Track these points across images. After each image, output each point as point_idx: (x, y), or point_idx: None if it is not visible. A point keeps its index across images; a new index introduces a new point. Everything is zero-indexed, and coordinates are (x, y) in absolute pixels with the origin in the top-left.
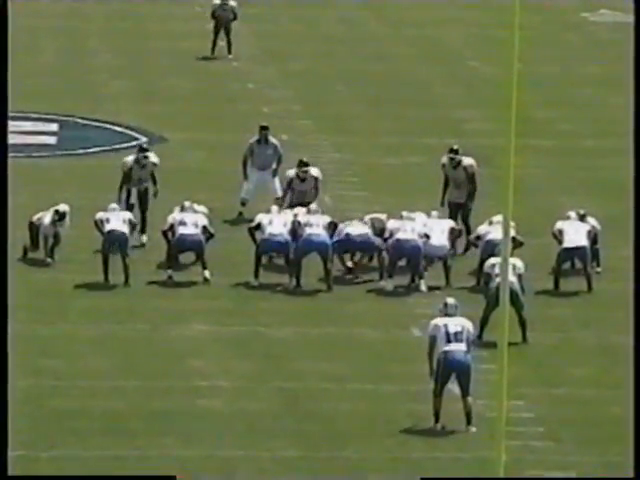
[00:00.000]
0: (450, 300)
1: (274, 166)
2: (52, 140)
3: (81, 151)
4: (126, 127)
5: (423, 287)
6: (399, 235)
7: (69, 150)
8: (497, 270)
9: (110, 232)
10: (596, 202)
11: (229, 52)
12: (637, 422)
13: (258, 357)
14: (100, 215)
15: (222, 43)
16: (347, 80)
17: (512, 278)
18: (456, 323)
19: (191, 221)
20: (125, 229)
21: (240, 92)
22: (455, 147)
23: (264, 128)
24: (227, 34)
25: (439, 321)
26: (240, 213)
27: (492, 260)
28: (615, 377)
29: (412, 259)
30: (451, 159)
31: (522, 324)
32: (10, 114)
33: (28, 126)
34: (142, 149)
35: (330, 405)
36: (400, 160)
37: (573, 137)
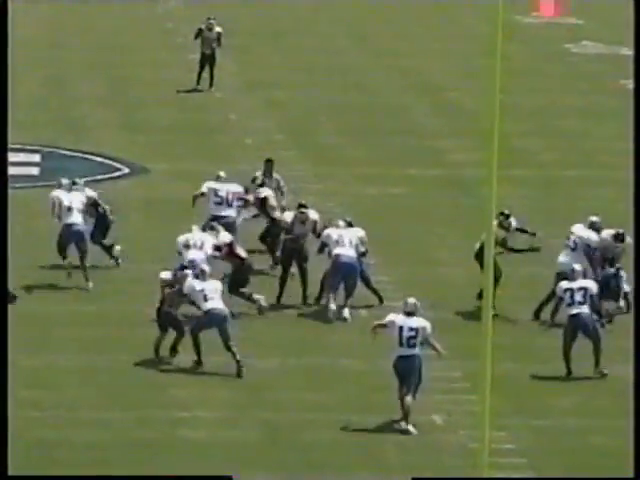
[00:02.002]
0: (411, 299)
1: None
2: (35, 171)
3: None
4: (109, 158)
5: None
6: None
7: (52, 181)
8: (570, 297)
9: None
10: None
11: (210, 85)
12: (637, 421)
13: (240, 387)
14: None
15: (205, 75)
16: (329, 110)
17: (585, 309)
18: (412, 326)
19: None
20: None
21: (222, 123)
22: None
23: (269, 161)
24: (211, 66)
25: (398, 320)
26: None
27: (564, 284)
28: (597, 407)
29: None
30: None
31: (596, 354)
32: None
33: (11, 157)
34: None
35: (313, 435)
36: (383, 190)
37: (556, 167)
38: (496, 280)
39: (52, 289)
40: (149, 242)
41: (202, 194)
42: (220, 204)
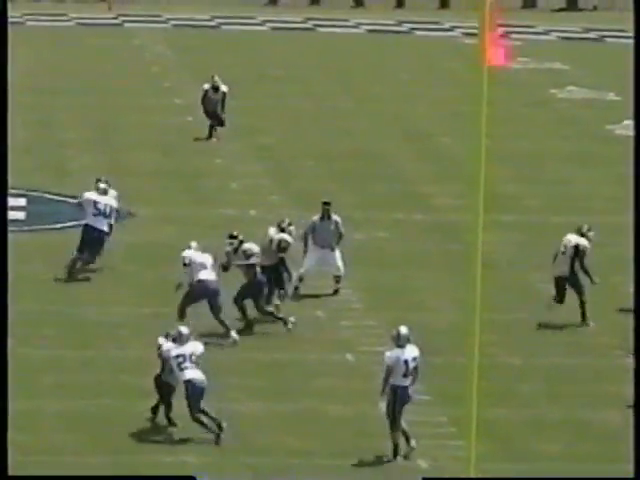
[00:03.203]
0: (404, 330)
1: (334, 243)
2: (21, 215)
3: (48, 226)
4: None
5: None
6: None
7: (38, 225)
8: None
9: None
10: None
11: (210, 136)
12: (637, 421)
13: (225, 432)
14: None
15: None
16: (315, 155)
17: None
18: (413, 357)
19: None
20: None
21: (208, 167)
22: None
23: (326, 204)
24: (212, 125)
25: (399, 354)
26: (296, 288)
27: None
28: (584, 452)
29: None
30: None
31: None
32: None
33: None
34: None
35: None
36: (368, 235)
37: (542, 213)
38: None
39: (36, 334)
40: (133, 286)
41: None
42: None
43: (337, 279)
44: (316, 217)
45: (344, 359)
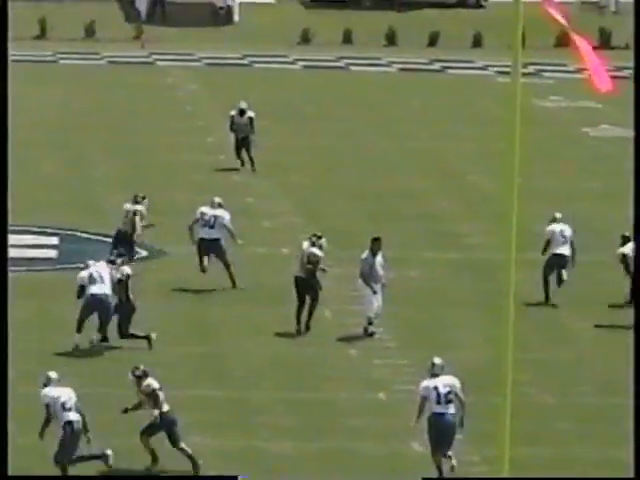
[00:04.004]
0: (437, 360)
1: (384, 279)
2: (53, 253)
3: (82, 265)
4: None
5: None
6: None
7: (69, 263)
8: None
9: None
10: (597, 315)
11: (252, 168)
12: (637, 421)
13: (256, 472)
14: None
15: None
16: (347, 193)
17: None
18: (445, 384)
19: None
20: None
21: (240, 205)
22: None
23: (376, 240)
24: (247, 150)
25: (430, 383)
26: (370, 333)
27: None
28: None
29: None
30: None
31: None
32: (10, 227)
33: (29, 239)
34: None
35: None
36: (401, 273)
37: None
38: None
39: (69, 371)
40: (166, 325)
41: None
42: None
43: (372, 319)
44: (366, 254)
45: (376, 398)
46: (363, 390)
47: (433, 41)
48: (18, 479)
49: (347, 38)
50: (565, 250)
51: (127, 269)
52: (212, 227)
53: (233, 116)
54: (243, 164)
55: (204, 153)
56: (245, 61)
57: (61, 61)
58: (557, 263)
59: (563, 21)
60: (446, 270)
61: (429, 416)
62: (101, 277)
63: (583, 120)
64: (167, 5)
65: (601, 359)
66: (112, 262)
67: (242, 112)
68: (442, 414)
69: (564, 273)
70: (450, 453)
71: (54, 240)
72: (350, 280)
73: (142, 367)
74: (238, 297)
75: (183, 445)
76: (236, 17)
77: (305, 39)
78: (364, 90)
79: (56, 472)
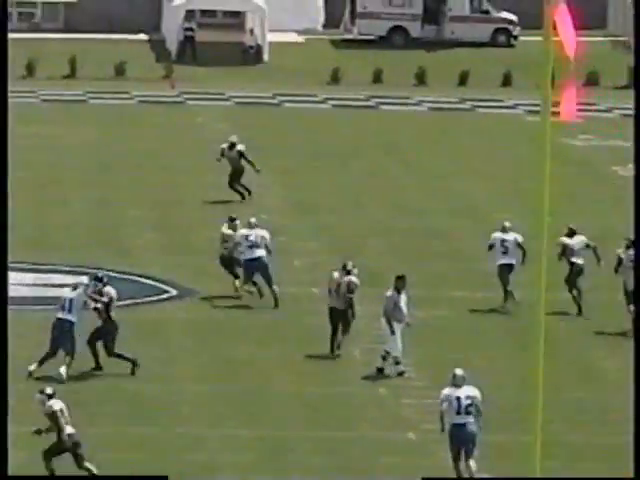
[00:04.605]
0: (459, 371)
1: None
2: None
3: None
4: (156, 279)
5: None
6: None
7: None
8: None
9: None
10: (627, 353)
11: (249, 193)
12: (637, 421)
13: None
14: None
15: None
16: (376, 232)
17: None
18: (467, 395)
19: None
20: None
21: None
22: None
23: (400, 278)
24: (238, 181)
25: (452, 392)
26: (381, 370)
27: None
28: None
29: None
30: None
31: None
32: (40, 267)
33: (58, 279)
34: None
35: None
36: (429, 313)
37: (603, 290)
38: None
39: (98, 411)
40: (195, 363)
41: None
42: None
43: (397, 359)
44: (391, 292)
45: (406, 437)
46: (392, 429)
47: (463, 80)
48: (18, 479)
49: (377, 77)
50: (506, 260)
51: (112, 291)
52: (259, 247)
53: (223, 149)
54: (243, 197)
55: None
56: (275, 100)
57: (91, 100)
58: (504, 272)
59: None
60: (475, 309)
61: (449, 427)
62: (70, 303)
63: (612, 159)
64: (197, 45)
65: (629, 399)
66: (100, 279)
67: (232, 146)
68: (462, 425)
69: (511, 290)
70: (472, 463)
71: (83, 279)
72: (378, 318)
73: (50, 390)
74: (268, 336)
75: (88, 465)
76: (266, 56)
77: (335, 78)
78: (394, 129)
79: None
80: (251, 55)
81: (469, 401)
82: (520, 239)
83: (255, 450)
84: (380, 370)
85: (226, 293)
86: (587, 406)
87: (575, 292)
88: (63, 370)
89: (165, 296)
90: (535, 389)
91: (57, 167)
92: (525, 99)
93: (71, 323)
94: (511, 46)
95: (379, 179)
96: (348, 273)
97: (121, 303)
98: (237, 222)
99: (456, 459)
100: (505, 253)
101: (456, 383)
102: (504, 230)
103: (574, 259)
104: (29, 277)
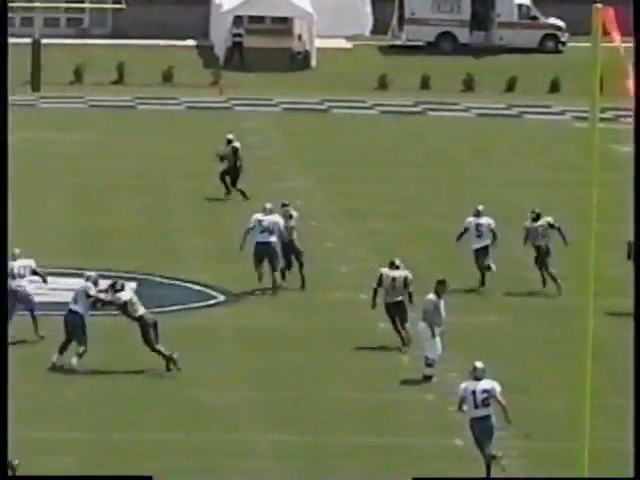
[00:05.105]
0: (479, 364)
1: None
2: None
3: (158, 309)
4: (204, 286)
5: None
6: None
7: (147, 308)
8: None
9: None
10: None
11: (244, 197)
12: (637, 421)
13: None
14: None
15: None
16: (424, 238)
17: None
18: (483, 389)
19: None
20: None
21: (319, 251)
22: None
23: (441, 282)
24: (232, 179)
25: (470, 385)
26: (428, 377)
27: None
28: None
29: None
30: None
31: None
32: (90, 273)
33: (106, 285)
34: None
35: None
36: (477, 319)
37: None
38: None
39: (145, 417)
40: (242, 370)
41: None
42: None
43: (431, 361)
44: (432, 296)
45: (453, 443)
46: (440, 435)
47: (511, 86)
48: (18, 479)
49: (425, 83)
50: (481, 243)
51: (124, 296)
52: (271, 232)
53: (221, 149)
54: (229, 192)
55: (281, 198)
56: (323, 106)
57: (139, 106)
58: (479, 256)
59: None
60: (523, 315)
61: (469, 421)
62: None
63: None
64: (245, 50)
65: None
66: (112, 286)
67: (228, 142)
68: (479, 418)
69: (490, 262)
70: (500, 454)
71: (132, 285)
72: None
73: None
74: (314, 342)
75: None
76: (313, 62)
77: (383, 84)
78: (441, 135)
79: None
80: (299, 61)
81: (485, 395)
82: (493, 224)
83: (302, 457)
84: (427, 377)
85: (274, 299)
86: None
87: (546, 273)
88: (74, 361)
89: (213, 302)
90: (583, 395)
91: (105, 173)
92: (573, 105)
93: (80, 314)
94: (559, 52)
95: (426, 185)
96: (397, 268)
97: (169, 309)
98: (289, 208)
99: (482, 450)
100: (479, 237)
101: (477, 376)
102: (478, 214)
103: (539, 242)
104: (76, 282)
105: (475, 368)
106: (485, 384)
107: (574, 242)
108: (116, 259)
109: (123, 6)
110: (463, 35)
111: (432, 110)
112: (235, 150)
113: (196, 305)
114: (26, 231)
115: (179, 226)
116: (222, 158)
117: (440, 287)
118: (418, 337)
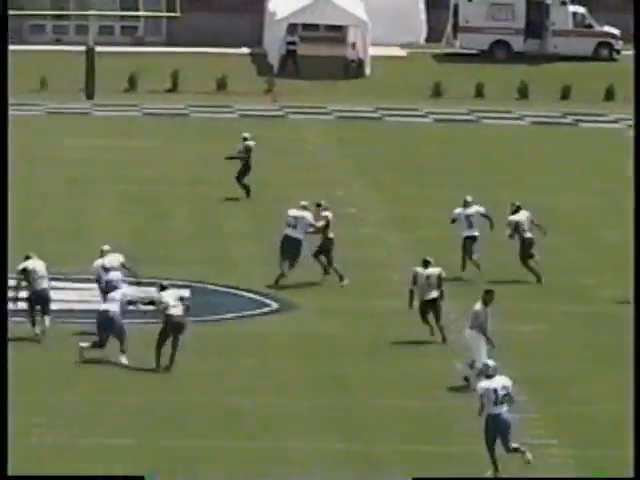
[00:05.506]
0: (491, 362)
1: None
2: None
3: (212, 317)
4: (257, 293)
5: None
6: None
7: (200, 316)
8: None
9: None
10: None
11: (247, 194)
12: (637, 421)
13: None
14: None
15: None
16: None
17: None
18: (503, 386)
19: None
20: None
21: (371, 259)
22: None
23: (489, 292)
24: (240, 177)
25: (490, 384)
26: (467, 379)
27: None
28: None
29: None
30: None
31: None
32: (142, 280)
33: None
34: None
35: None
36: (530, 327)
37: None
38: None
39: (190, 424)
40: (295, 378)
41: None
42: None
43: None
44: (479, 306)
45: (502, 452)
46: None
47: (565, 94)
48: (18, 479)
49: (479, 91)
50: (471, 232)
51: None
52: (295, 228)
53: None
54: (248, 194)
55: (335, 206)
56: (377, 114)
57: (193, 114)
58: (468, 244)
59: None
60: (575, 323)
61: (487, 417)
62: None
63: None
64: (299, 58)
65: None
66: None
67: (244, 140)
68: (499, 414)
69: (474, 252)
70: (523, 448)
71: (185, 293)
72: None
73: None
74: (367, 350)
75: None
76: (367, 70)
77: (437, 92)
78: (496, 143)
79: None
80: (353, 69)
81: (504, 391)
82: (482, 210)
83: (352, 464)
84: (465, 379)
85: (326, 307)
86: None
87: (532, 263)
88: (124, 359)
89: (266, 310)
90: (637, 402)
91: (158, 181)
92: (628, 113)
93: (113, 312)
94: (614, 60)
95: (479, 193)
96: (430, 266)
97: (222, 317)
98: (320, 209)
99: (491, 448)
100: (470, 227)
101: (490, 374)
102: (466, 205)
103: (526, 234)
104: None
105: (488, 367)
106: (502, 380)
107: (625, 249)
108: (168, 267)
109: (178, 14)
110: (517, 43)
111: (486, 118)
112: (248, 149)
113: (249, 313)
114: (79, 238)
115: (232, 233)
116: (232, 158)
117: (487, 296)
118: (467, 344)
